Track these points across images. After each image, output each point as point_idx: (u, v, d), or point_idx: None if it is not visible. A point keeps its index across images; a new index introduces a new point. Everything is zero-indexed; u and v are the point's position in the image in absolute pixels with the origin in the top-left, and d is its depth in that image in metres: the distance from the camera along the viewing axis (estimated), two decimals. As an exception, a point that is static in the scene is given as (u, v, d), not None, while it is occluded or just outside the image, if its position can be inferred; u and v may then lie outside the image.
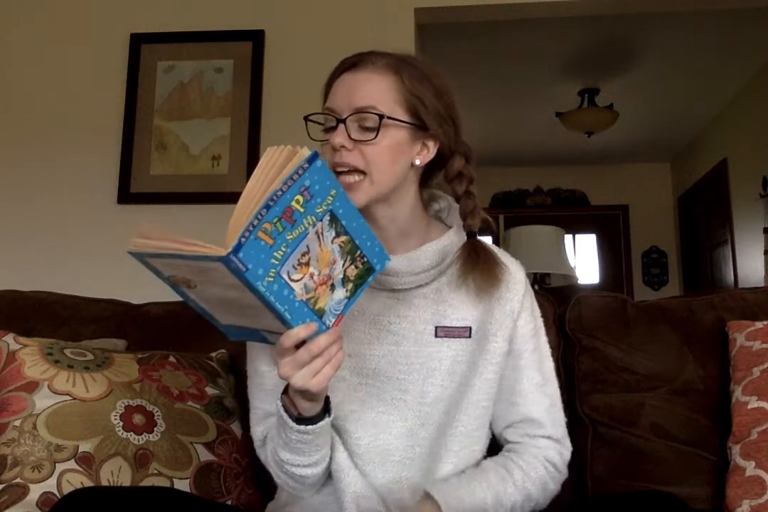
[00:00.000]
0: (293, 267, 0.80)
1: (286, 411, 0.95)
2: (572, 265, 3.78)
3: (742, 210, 4.48)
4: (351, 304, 0.89)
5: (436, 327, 1.07)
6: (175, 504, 0.94)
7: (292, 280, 0.80)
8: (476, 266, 1.05)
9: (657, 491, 1.02)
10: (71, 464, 1.14)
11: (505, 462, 1.08)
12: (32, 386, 1.21)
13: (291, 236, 0.79)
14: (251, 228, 0.74)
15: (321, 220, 0.82)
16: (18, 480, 1.12)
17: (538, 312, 1.16)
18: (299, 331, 0.83)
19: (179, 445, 1.23)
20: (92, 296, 1.65)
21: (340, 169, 1.00)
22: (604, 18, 3.22)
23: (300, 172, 0.78)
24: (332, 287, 0.86)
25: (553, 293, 1.60)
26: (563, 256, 3.60)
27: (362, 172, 1.00)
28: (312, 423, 0.94)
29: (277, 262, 0.78)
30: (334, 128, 1.02)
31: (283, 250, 0.78)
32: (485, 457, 1.13)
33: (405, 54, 1.07)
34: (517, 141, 5.39)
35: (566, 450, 1.13)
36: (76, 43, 2.70)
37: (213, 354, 1.45)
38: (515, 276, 1.12)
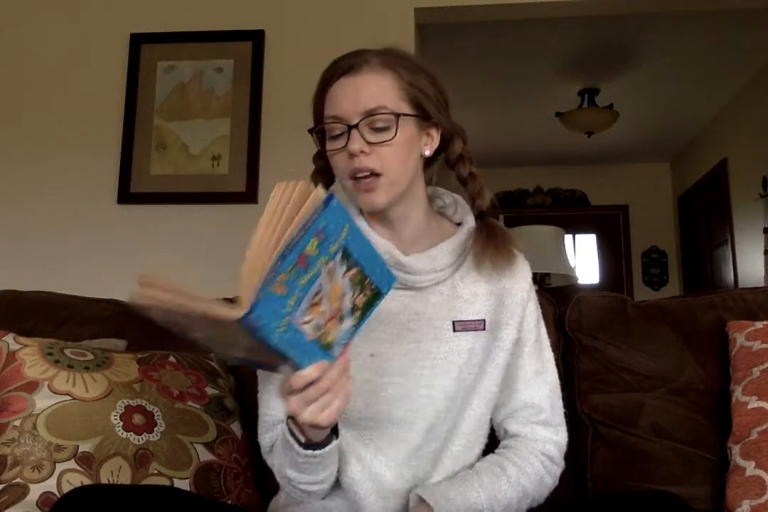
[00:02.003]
0: (304, 310, 0.76)
1: (293, 436, 0.93)
2: (572, 265, 3.78)
3: (742, 210, 4.48)
4: (357, 331, 0.86)
5: (454, 322, 1.08)
6: (176, 502, 0.94)
7: (303, 323, 0.76)
8: (490, 243, 1.07)
9: (658, 491, 1.02)
10: (71, 464, 1.14)
11: (500, 460, 1.09)
12: (32, 386, 1.21)
13: (303, 281, 0.74)
14: (267, 282, 0.70)
15: (334, 258, 0.78)
16: (18, 480, 1.12)
17: (538, 303, 1.18)
18: (311, 373, 0.80)
19: (179, 445, 1.23)
20: (92, 296, 1.65)
21: (359, 175, 1.00)
22: (604, 18, 3.21)
23: (315, 216, 0.73)
24: (341, 319, 0.82)
25: (553, 293, 1.60)
26: (563, 256, 3.60)
27: (378, 174, 1.00)
28: (320, 448, 0.93)
29: (290, 309, 0.73)
30: (340, 136, 1.01)
31: (297, 295, 0.74)
32: (486, 448, 1.14)
33: (389, 47, 1.07)
34: (517, 141, 5.39)
35: (563, 439, 1.14)
36: (76, 43, 2.70)
37: (213, 354, 1.45)
38: (522, 266, 1.14)
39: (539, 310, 1.17)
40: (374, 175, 1.00)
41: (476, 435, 1.11)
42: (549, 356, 1.17)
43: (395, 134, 0.99)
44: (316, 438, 0.92)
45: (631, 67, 4.07)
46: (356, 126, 0.99)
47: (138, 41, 2.65)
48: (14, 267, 2.52)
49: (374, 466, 1.05)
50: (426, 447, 1.07)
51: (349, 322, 0.84)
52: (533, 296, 1.15)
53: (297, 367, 0.79)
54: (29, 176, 2.64)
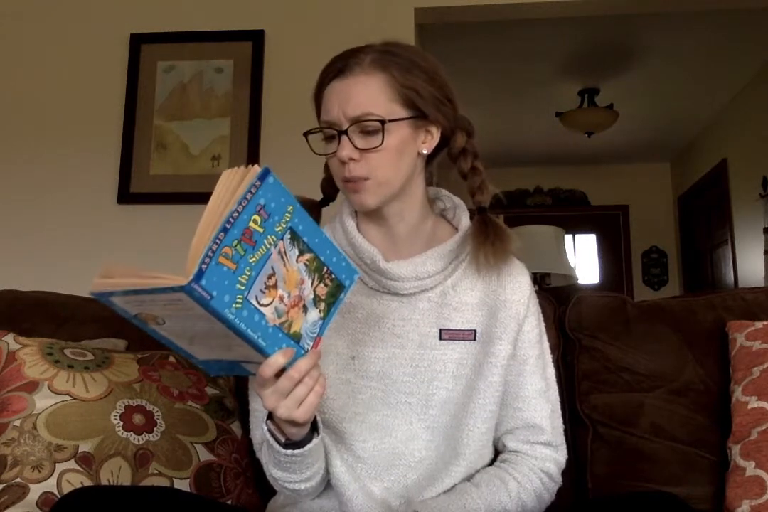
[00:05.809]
0: (261, 291, 0.76)
1: (273, 436, 0.93)
2: (572, 265, 3.78)
3: (742, 210, 4.48)
4: (327, 325, 0.86)
5: (441, 330, 1.06)
6: (176, 503, 0.94)
7: (262, 305, 0.76)
8: (486, 240, 1.04)
9: (658, 491, 1.02)
10: (71, 464, 1.14)
11: (501, 474, 1.07)
12: (32, 386, 1.21)
13: (253, 258, 0.75)
14: (211, 253, 0.70)
15: (282, 239, 0.78)
16: (18, 480, 1.12)
17: (541, 316, 1.15)
18: (278, 358, 0.79)
19: (179, 445, 1.23)
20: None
21: (350, 182, 1.00)
22: (604, 18, 3.21)
23: (253, 190, 0.74)
24: (305, 308, 0.82)
25: (553, 293, 1.60)
26: (563, 256, 3.60)
27: (366, 178, 1.00)
28: (301, 447, 0.93)
29: (243, 288, 0.74)
30: (333, 138, 1.01)
31: (248, 273, 0.74)
32: (491, 461, 1.12)
33: (387, 42, 1.04)
34: (517, 141, 5.39)
35: (562, 457, 1.13)
36: (76, 43, 2.70)
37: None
38: (521, 278, 1.11)
39: (542, 325, 1.15)
40: (363, 179, 1.00)
41: (479, 455, 1.08)
42: (551, 372, 1.15)
43: (382, 140, 0.98)
44: (296, 436, 0.92)
45: (631, 67, 4.07)
46: (345, 132, 0.98)
47: (138, 41, 2.64)
48: (14, 268, 2.53)
49: (357, 469, 1.04)
50: (410, 457, 1.05)
51: (314, 314, 0.84)
52: (533, 310, 1.12)
53: (266, 356, 0.79)
54: (29, 176, 2.64)
